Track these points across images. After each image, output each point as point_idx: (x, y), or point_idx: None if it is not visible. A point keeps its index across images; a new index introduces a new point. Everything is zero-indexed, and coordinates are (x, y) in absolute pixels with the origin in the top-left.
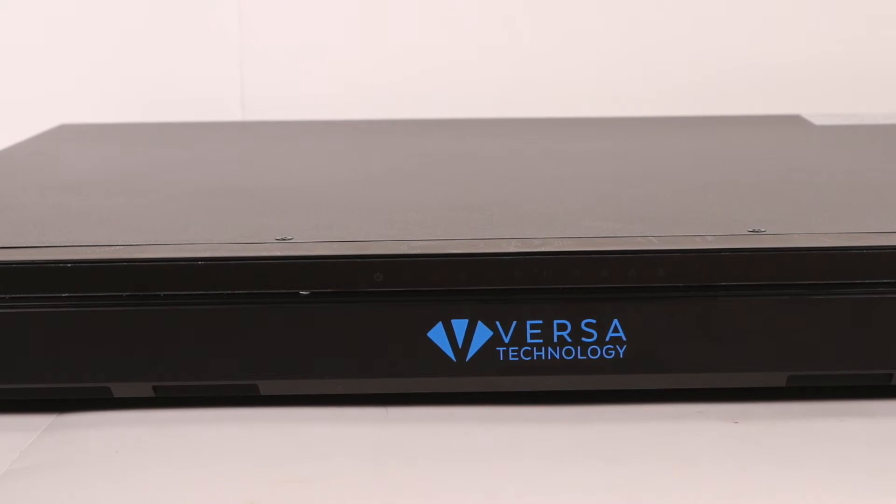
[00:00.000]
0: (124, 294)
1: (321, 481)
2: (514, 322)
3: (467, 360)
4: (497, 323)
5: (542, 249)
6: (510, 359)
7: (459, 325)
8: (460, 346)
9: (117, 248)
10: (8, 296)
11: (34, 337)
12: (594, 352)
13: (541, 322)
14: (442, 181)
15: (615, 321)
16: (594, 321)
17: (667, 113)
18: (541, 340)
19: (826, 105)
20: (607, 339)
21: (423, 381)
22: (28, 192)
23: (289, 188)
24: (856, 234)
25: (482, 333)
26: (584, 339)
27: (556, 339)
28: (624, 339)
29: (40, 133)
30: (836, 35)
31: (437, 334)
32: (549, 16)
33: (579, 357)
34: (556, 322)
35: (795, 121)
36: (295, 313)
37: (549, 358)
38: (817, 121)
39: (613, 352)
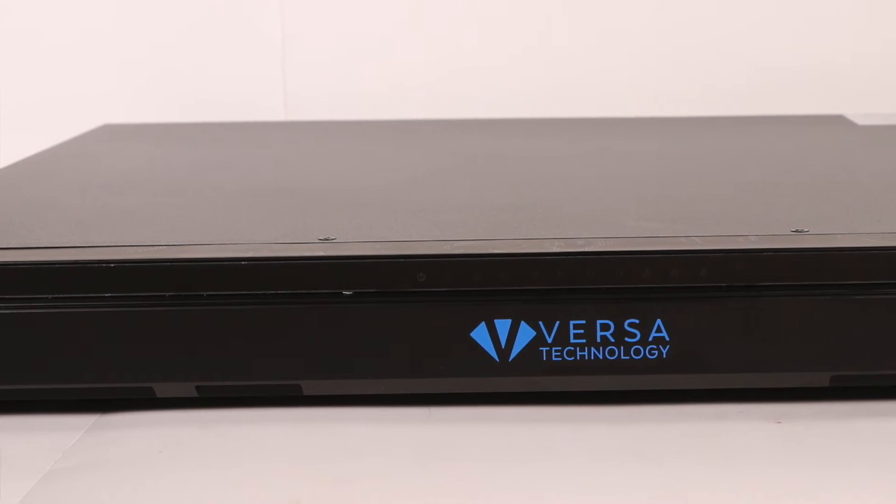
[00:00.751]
0: (167, 294)
1: (363, 481)
2: (558, 322)
3: (510, 360)
4: (540, 323)
5: (585, 249)
6: (553, 359)
7: (502, 325)
8: (503, 346)
9: (160, 248)
10: (51, 296)
11: (77, 337)
12: (637, 352)
13: (584, 322)
14: (484, 181)
15: (658, 321)
16: (637, 321)
17: (709, 113)
18: (584, 340)
19: (869, 105)
20: (650, 339)
21: (466, 381)
22: (71, 192)
23: (331, 188)
24: None
25: (525, 333)
26: (627, 339)
27: (599, 340)
28: (667, 339)
29: (83, 133)
30: (879, 35)
31: (480, 334)
32: (590, 15)
33: (622, 357)
34: (599, 322)
35: (838, 121)
36: (338, 313)
37: (592, 358)
38: (860, 121)
39: (656, 352)
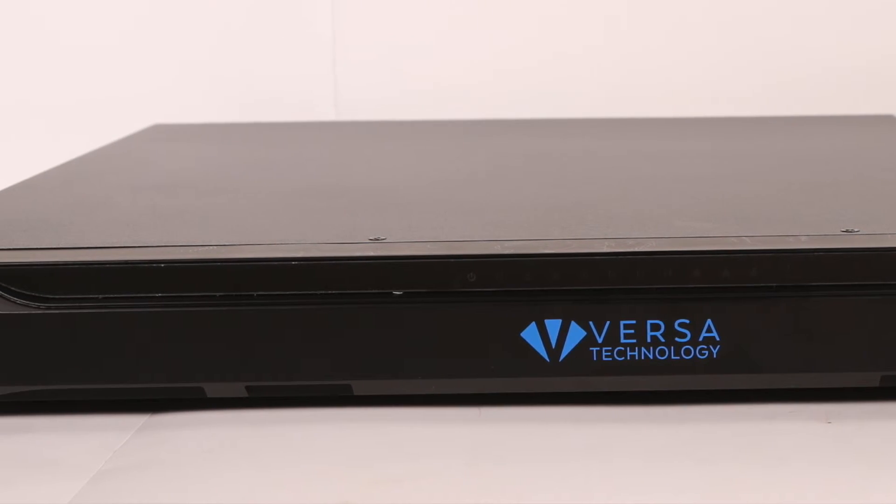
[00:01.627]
0: (218, 294)
1: (414, 481)
2: (608, 322)
3: (561, 360)
4: (590, 323)
5: (636, 249)
6: (603, 359)
7: (553, 326)
8: (554, 347)
9: (211, 248)
10: (102, 296)
11: (128, 337)
12: (687, 352)
13: (634, 322)
14: (535, 181)
15: (708, 321)
16: (688, 321)
17: (762, 113)
18: (634, 340)
19: None
20: (700, 339)
21: (517, 381)
22: (121, 192)
23: (382, 188)
24: None
25: (576, 333)
26: (677, 339)
27: (649, 340)
28: (717, 339)
29: (134, 133)
30: None
31: (530, 334)
32: (647, 15)
33: (672, 357)
34: (649, 322)
35: (888, 121)
36: (388, 313)
37: (643, 358)
38: None
39: (707, 352)
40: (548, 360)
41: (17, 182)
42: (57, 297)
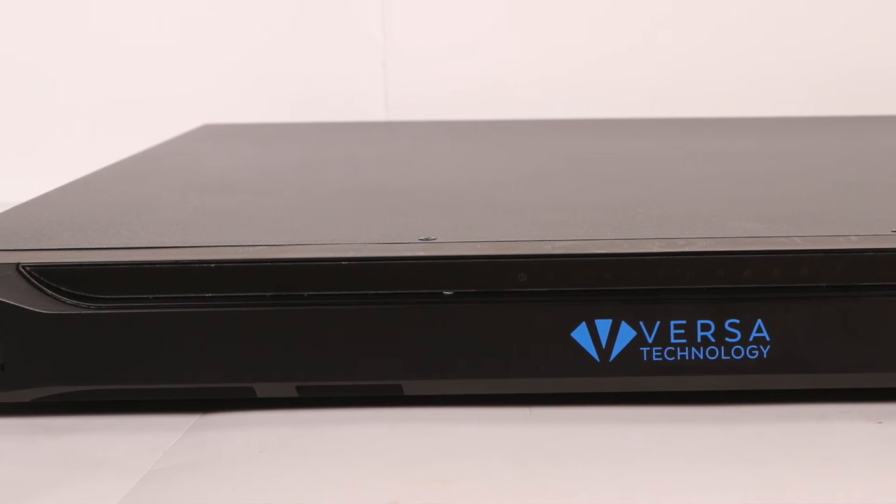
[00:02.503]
0: (268, 294)
1: (463, 481)
2: (658, 322)
3: (611, 360)
4: (641, 323)
5: (686, 250)
6: (654, 359)
7: (603, 326)
8: (604, 346)
9: (261, 248)
10: (152, 296)
11: (178, 337)
12: (738, 352)
13: (684, 322)
14: (585, 181)
15: (759, 321)
16: (738, 321)
17: (810, 113)
18: (684, 340)
19: None
20: (751, 339)
21: (567, 381)
22: (171, 192)
23: (432, 188)
24: None
25: (626, 333)
26: (727, 339)
27: (699, 340)
28: (767, 339)
29: (184, 133)
30: None
31: (580, 334)
32: (695, 15)
33: (723, 357)
34: (699, 322)
35: None
36: (439, 313)
37: (693, 358)
38: None
39: (757, 352)
40: (598, 360)
41: (67, 182)
42: (107, 297)
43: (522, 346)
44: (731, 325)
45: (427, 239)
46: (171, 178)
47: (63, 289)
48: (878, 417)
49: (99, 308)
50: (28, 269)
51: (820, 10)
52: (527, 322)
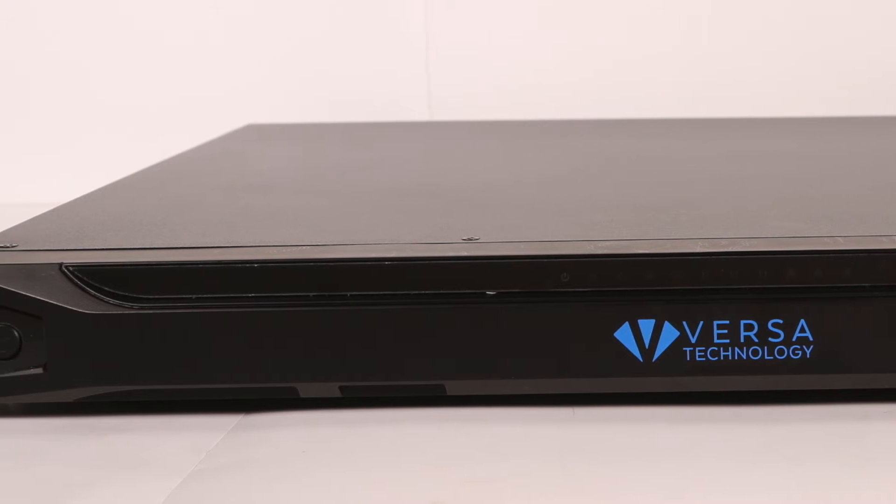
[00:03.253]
0: (311, 294)
1: (506, 481)
2: (701, 322)
3: (654, 360)
4: (684, 323)
5: (729, 250)
6: (697, 359)
7: (646, 326)
8: (647, 346)
9: (304, 248)
10: (195, 296)
11: (221, 337)
12: (781, 352)
13: (727, 322)
14: (627, 181)
15: (802, 321)
16: (781, 321)
17: (850, 112)
18: (727, 341)
19: None
20: (794, 339)
21: (610, 381)
22: (215, 191)
23: (475, 188)
24: None
25: (669, 333)
26: (770, 339)
27: (742, 340)
28: (811, 339)
29: (227, 133)
30: None
31: (623, 334)
32: (735, 15)
33: (766, 357)
34: (742, 322)
35: None
36: (481, 313)
37: (736, 358)
38: None
39: (800, 352)
40: (641, 360)
41: (110, 182)
42: (151, 297)
43: (565, 347)
44: (774, 325)
45: (470, 239)
46: (215, 177)
47: (106, 289)
48: None
49: (142, 308)
50: (71, 269)
51: (857, 10)
52: (570, 322)
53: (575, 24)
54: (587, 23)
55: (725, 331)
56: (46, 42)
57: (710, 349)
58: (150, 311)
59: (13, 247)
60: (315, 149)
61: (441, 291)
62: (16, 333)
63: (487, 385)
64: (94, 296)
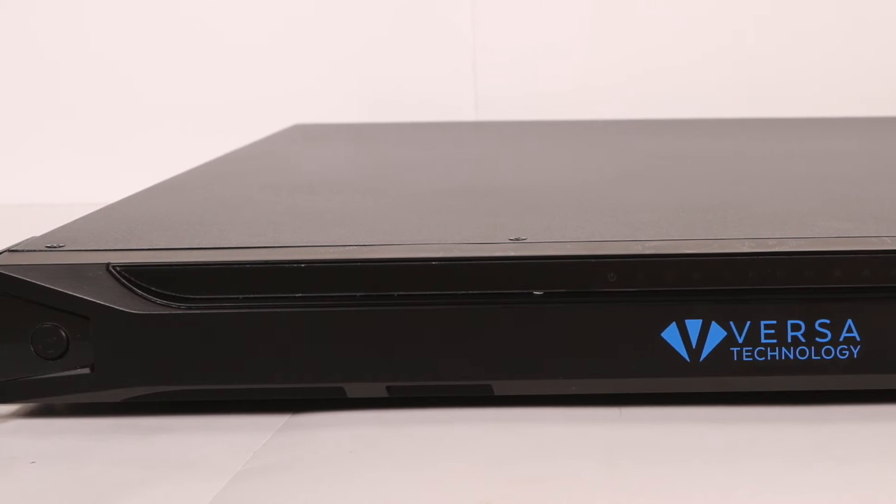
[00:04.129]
0: (358, 294)
1: (554, 481)
2: (748, 322)
3: (701, 360)
4: (731, 323)
5: (776, 250)
6: (744, 359)
7: (693, 326)
8: (694, 346)
9: (351, 248)
10: (242, 296)
11: (268, 337)
12: (828, 352)
13: (775, 322)
14: (674, 181)
15: (849, 321)
16: (828, 321)
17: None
18: (775, 341)
19: None
20: (841, 339)
21: (657, 381)
22: (262, 191)
23: (522, 188)
24: None
25: (716, 333)
26: (817, 339)
27: (789, 340)
28: (858, 339)
29: (275, 133)
30: None
31: (670, 334)
32: (783, 15)
33: (813, 357)
34: (789, 322)
35: None
36: (529, 313)
37: (783, 358)
38: None
39: (847, 352)
40: (688, 360)
41: (158, 182)
42: (198, 297)
43: (612, 347)
44: (821, 325)
45: (517, 239)
46: (262, 177)
47: (153, 289)
48: None
49: (189, 308)
50: (118, 268)
51: None
52: (617, 322)
53: (621, 25)
54: (633, 23)
55: (773, 331)
56: (94, 42)
57: (757, 349)
58: (197, 312)
59: (61, 247)
60: (362, 149)
61: (488, 291)
62: (63, 333)
63: (534, 385)
64: (141, 296)
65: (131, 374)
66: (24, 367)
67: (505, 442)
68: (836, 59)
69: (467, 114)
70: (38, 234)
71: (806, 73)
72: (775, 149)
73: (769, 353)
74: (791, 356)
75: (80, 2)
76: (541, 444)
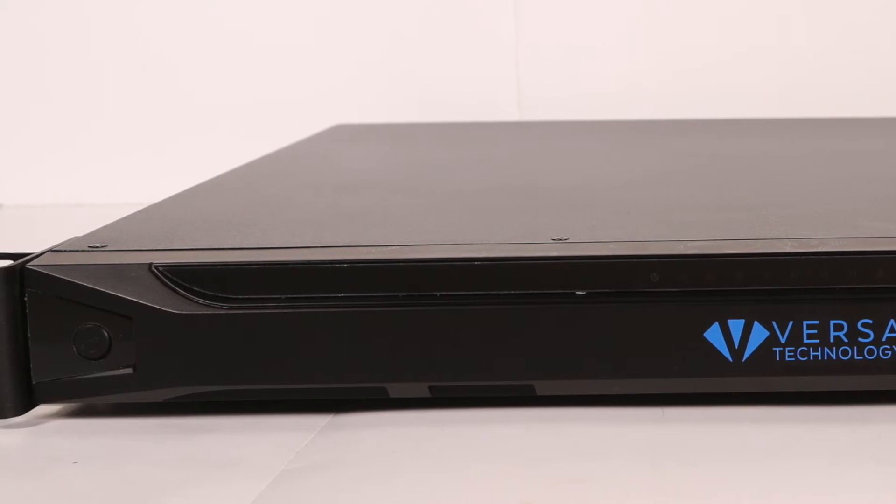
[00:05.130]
0: (400, 294)
1: (596, 481)
2: (791, 322)
3: (743, 360)
4: (773, 323)
5: (819, 250)
6: (786, 359)
7: (736, 326)
8: (737, 347)
9: (394, 248)
10: (285, 296)
11: (311, 337)
12: (870, 352)
13: (817, 322)
14: (716, 181)
15: (892, 321)
16: (871, 321)
17: None
18: (817, 341)
19: None
20: (884, 339)
21: (700, 381)
22: (304, 191)
23: (564, 188)
24: None
25: (759, 334)
26: (860, 339)
27: (832, 340)
28: None
29: (317, 133)
30: None
31: (713, 334)
32: (828, 14)
33: (855, 357)
34: (832, 322)
35: None
36: (571, 313)
37: (826, 358)
38: None
39: (890, 352)
40: (731, 360)
41: (201, 181)
42: (240, 297)
43: (655, 347)
44: (863, 325)
45: (560, 239)
46: (304, 177)
47: (196, 289)
48: None
49: (231, 308)
50: (161, 269)
51: None
52: (659, 322)
53: (665, 25)
54: (677, 22)
55: (815, 331)
56: (139, 44)
57: (799, 349)
58: (240, 312)
59: (103, 247)
60: (404, 148)
61: (531, 291)
62: (105, 333)
63: (577, 385)
64: (183, 296)
65: (173, 374)
66: (66, 368)
67: (547, 442)
68: (880, 57)
69: (510, 113)
70: (81, 234)
71: (850, 73)
72: (818, 148)
73: (811, 354)
74: (833, 356)
75: (131, 4)
76: (582, 445)
